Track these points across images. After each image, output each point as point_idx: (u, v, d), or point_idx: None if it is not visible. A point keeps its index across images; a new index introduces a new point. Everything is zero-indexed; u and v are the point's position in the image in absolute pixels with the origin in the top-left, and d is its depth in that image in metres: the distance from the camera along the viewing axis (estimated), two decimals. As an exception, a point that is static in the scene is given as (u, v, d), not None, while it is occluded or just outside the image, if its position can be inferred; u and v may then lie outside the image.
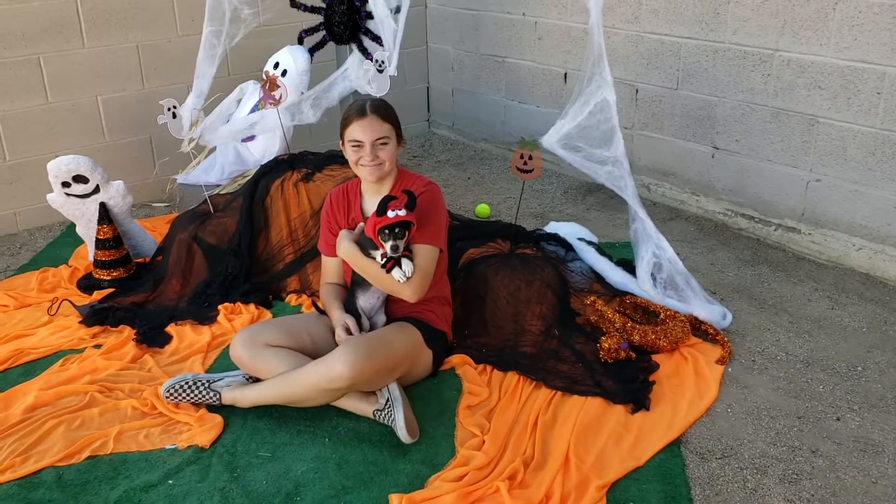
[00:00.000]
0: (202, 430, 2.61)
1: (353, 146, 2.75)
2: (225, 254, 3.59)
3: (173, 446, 2.56)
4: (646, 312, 3.20)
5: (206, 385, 2.72)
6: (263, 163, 3.99)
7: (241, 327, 3.24)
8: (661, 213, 4.30)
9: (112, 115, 4.34)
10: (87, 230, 3.69)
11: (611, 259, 3.46)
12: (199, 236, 3.61)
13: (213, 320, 3.32)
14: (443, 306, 2.95)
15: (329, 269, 3.01)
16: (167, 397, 2.72)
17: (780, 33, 3.62)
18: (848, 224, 3.60)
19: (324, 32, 3.92)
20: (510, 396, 2.78)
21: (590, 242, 3.59)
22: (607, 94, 3.00)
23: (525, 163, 3.31)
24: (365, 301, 2.83)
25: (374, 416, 2.62)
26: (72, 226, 4.28)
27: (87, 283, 3.62)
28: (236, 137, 4.02)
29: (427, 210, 2.79)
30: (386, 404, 2.60)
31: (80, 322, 3.29)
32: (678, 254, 3.28)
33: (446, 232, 2.87)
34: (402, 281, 2.67)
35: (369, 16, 3.79)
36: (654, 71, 4.19)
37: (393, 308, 2.86)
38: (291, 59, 3.92)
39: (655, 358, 2.98)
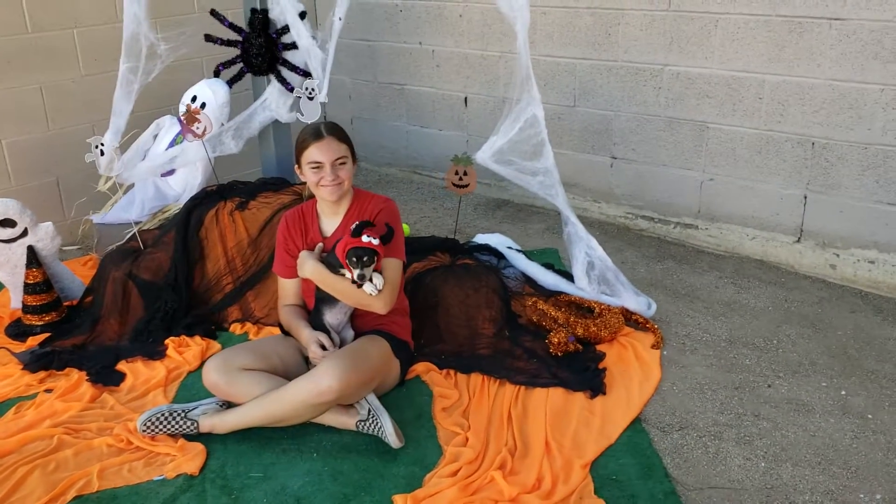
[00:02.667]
0: (187, 459, 2.61)
1: (313, 168, 2.85)
2: (161, 289, 3.56)
3: (161, 477, 2.56)
4: (580, 308, 3.45)
5: (183, 415, 2.72)
6: (184, 196, 3.99)
7: (192, 359, 3.26)
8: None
9: (17, 158, 4.19)
10: (13, 276, 3.55)
11: (540, 264, 3.72)
12: (134, 273, 3.56)
13: (162, 355, 3.29)
14: (403, 317, 3.09)
15: (287, 290, 3.07)
16: (144, 431, 2.70)
17: (668, 50, 4.02)
18: (741, 217, 4.03)
19: (241, 65, 3.97)
20: (479, 395, 2.95)
21: (518, 250, 3.83)
22: (536, 111, 3.25)
23: (461, 178, 3.51)
24: (332, 317, 2.92)
25: (358, 427, 2.71)
26: (-18, 275, 4.10)
27: (17, 331, 3.49)
28: (156, 172, 3.99)
29: (391, 223, 2.92)
30: (369, 414, 2.70)
31: (22, 369, 3.18)
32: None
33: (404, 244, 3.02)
34: (373, 294, 2.78)
35: (287, 47, 3.88)
36: (551, 91, 4.50)
37: (358, 322, 2.97)
38: (210, 92, 3.95)
39: (599, 348, 3.24)
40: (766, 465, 2.58)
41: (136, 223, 3.86)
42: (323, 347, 2.80)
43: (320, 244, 2.95)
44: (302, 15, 3.62)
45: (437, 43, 4.97)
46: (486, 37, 4.72)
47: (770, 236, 3.96)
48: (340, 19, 3.50)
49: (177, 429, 2.71)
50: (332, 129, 2.89)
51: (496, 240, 3.91)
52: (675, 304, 3.64)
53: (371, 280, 2.77)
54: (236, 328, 3.52)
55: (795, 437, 2.71)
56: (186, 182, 4.07)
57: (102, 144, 3.58)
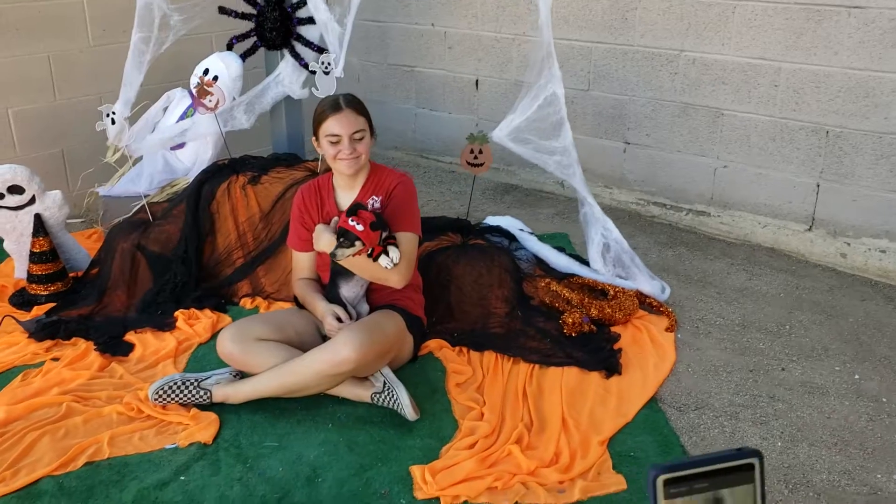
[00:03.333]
0: (200, 428, 2.58)
1: (331, 141, 2.82)
2: (171, 261, 3.53)
3: (174, 445, 2.53)
4: (593, 291, 3.44)
5: (195, 384, 2.69)
6: (193, 171, 3.95)
7: (203, 331, 3.23)
8: (577, 207, 4.56)
9: (23, 128, 4.14)
10: (18, 245, 3.51)
11: (552, 247, 3.69)
12: (142, 244, 3.53)
13: (172, 326, 3.26)
14: (417, 293, 3.06)
15: (302, 264, 3.04)
16: (155, 399, 2.67)
17: (685, 35, 4.00)
18: (753, 204, 4.02)
19: (255, 38, 3.93)
20: (493, 373, 2.93)
21: (530, 233, 3.81)
22: (556, 88, 3.23)
23: (475, 157, 3.49)
24: (348, 291, 2.89)
25: (373, 399, 2.68)
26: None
27: (21, 300, 3.45)
28: (166, 145, 3.96)
29: (404, 200, 2.90)
30: (384, 387, 2.67)
31: (28, 337, 3.14)
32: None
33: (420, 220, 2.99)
34: (389, 267, 2.76)
35: (302, 22, 3.85)
36: (565, 74, 4.40)
37: (373, 297, 2.94)
38: (223, 65, 3.91)
39: (613, 330, 3.22)
40: (783, 444, 2.57)
41: (145, 196, 3.82)
42: (339, 320, 2.77)
43: (336, 218, 2.91)
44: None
45: (450, 24, 4.94)
46: (501, 19, 4.70)
47: (782, 224, 3.95)
48: (359, -8, 3.46)
49: (189, 398, 2.68)
50: (350, 102, 2.86)
51: (507, 222, 3.88)
52: (688, 289, 3.62)
53: (387, 254, 2.74)
54: (246, 303, 3.48)
55: (811, 419, 2.70)
56: (196, 156, 4.03)
57: (114, 113, 3.54)
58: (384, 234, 2.74)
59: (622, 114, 4.35)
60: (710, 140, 4.08)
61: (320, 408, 2.71)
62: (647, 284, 3.41)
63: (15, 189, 3.36)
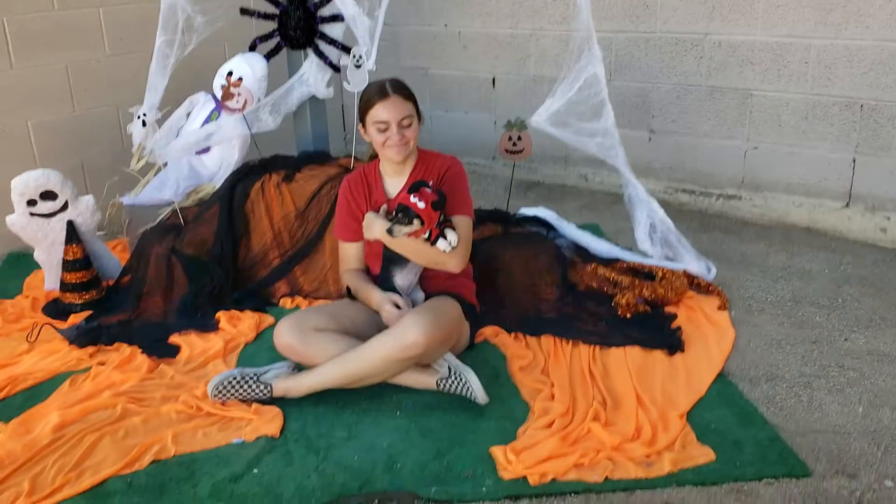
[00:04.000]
0: (265, 421, 2.50)
1: (379, 128, 2.77)
2: (206, 264, 3.44)
3: (240, 440, 2.44)
4: (638, 274, 3.39)
5: (255, 378, 2.61)
6: (220, 175, 3.87)
7: (248, 331, 3.15)
8: (603, 199, 4.56)
9: (43, 140, 4.05)
10: (50, 254, 3.42)
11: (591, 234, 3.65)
12: (177, 248, 3.44)
13: (215, 328, 3.17)
14: (469, 280, 3.00)
15: (349, 255, 2.97)
16: (215, 396, 2.59)
17: (709, 18, 4.00)
18: (786, 184, 4.00)
19: (278, 38, 3.88)
20: (554, 356, 2.87)
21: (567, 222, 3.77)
22: (597, 69, 3.19)
23: (514, 143, 3.45)
24: (402, 279, 2.82)
25: (439, 385, 2.61)
26: (10, 258, 3.95)
27: (56, 310, 3.34)
28: (191, 150, 3.87)
29: (457, 183, 2.85)
30: (450, 372, 2.60)
31: (69, 344, 3.04)
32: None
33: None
34: (447, 251, 2.69)
35: (325, 20, 3.81)
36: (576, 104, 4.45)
37: (426, 285, 2.87)
38: (247, 66, 3.84)
39: (667, 310, 3.17)
40: (864, 410, 2.52)
41: (169, 203, 3.74)
42: (397, 307, 2.70)
43: (384, 206, 2.85)
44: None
45: (464, 24, 4.91)
46: (517, 14, 4.68)
47: (817, 202, 3.93)
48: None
49: (249, 394, 2.59)
50: (397, 87, 2.80)
51: (541, 213, 3.84)
52: (731, 270, 3.58)
53: (445, 237, 2.68)
54: (286, 302, 3.40)
55: (886, 385, 2.65)
56: (222, 160, 3.94)
57: (145, 115, 3.46)
58: (441, 217, 2.69)
59: (646, 102, 4.33)
60: (740, 122, 4.06)
61: (385, 397, 2.63)
62: (694, 264, 3.37)
63: (48, 195, 3.27)
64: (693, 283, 3.35)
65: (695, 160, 4.26)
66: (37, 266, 3.64)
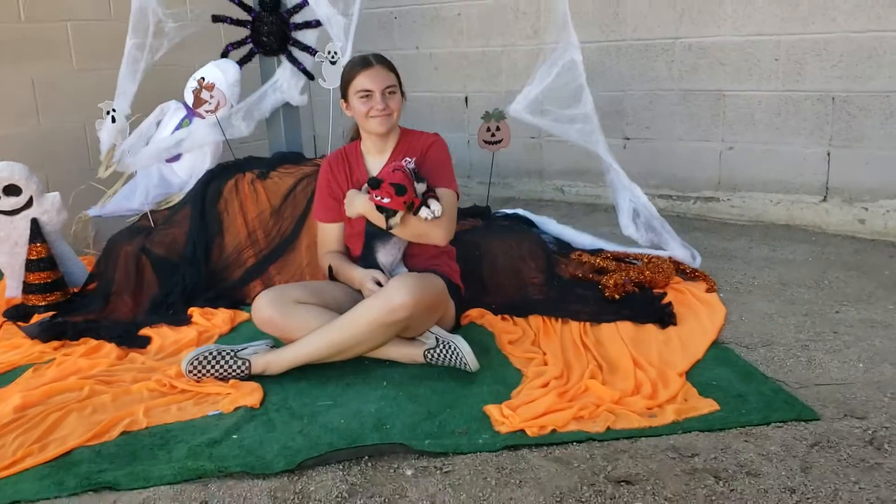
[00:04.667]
0: (243, 394, 2.36)
1: (362, 97, 2.71)
2: (177, 265, 3.31)
3: (217, 412, 2.29)
4: (623, 262, 3.32)
5: (232, 354, 2.47)
6: (190, 184, 3.77)
7: (222, 324, 3.02)
8: (580, 209, 4.54)
9: (7, 154, 3.90)
10: (12, 256, 3.25)
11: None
12: (147, 248, 3.31)
13: (188, 321, 3.03)
14: (453, 261, 2.91)
15: (329, 236, 2.88)
16: (189, 372, 2.44)
17: (678, 22, 4.06)
18: (763, 182, 4.00)
19: (251, 45, 3.85)
20: (544, 331, 2.77)
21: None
22: (574, 55, 3.20)
23: (493, 134, 3.41)
24: (385, 255, 2.72)
25: (427, 356, 2.49)
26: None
27: (18, 314, 3.17)
28: (161, 157, 3.77)
29: (440, 158, 2.80)
30: (439, 342, 2.49)
31: (33, 339, 2.88)
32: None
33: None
34: (429, 219, 2.61)
35: (299, 26, 3.79)
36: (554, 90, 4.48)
37: (410, 262, 2.78)
38: (220, 72, 3.79)
39: (655, 292, 3.10)
40: (865, 366, 2.45)
41: (138, 213, 3.62)
42: (379, 284, 2.60)
43: (366, 185, 2.78)
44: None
45: (435, 45, 4.95)
46: (487, 32, 4.72)
47: (795, 198, 3.93)
48: (365, -23, 3.43)
49: (226, 370, 2.45)
50: (380, 59, 2.78)
51: (521, 212, 3.78)
52: (714, 262, 3.53)
53: (428, 206, 2.61)
54: (261, 306, 3.27)
55: (883, 346, 2.59)
56: (193, 168, 3.84)
57: (114, 110, 3.37)
58: (423, 189, 2.61)
59: (619, 109, 4.35)
60: (714, 123, 4.08)
61: (370, 372, 2.51)
62: (680, 251, 3.32)
63: (11, 190, 3.14)
64: (679, 269, 3.29)
65: (671, 165, 4.26)
66: (-2, 276, 3.48)
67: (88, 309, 3.16)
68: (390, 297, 2.38)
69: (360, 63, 2.75)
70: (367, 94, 2.71)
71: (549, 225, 3.59)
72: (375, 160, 2.84)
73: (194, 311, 3.09)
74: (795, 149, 3.88)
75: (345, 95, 2.79)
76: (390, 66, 2.78)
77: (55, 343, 2.85)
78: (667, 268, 3.18)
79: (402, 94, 2.83)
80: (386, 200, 2.53)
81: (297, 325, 2.50)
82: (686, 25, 4.05)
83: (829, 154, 3.80)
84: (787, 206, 3.95)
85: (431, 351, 2.49)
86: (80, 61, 4.21)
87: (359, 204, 2.69)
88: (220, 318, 3.04)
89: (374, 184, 2.54)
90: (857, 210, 3.77)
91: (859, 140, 3.71)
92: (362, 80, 2.71)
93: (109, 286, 3.24)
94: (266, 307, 2.52)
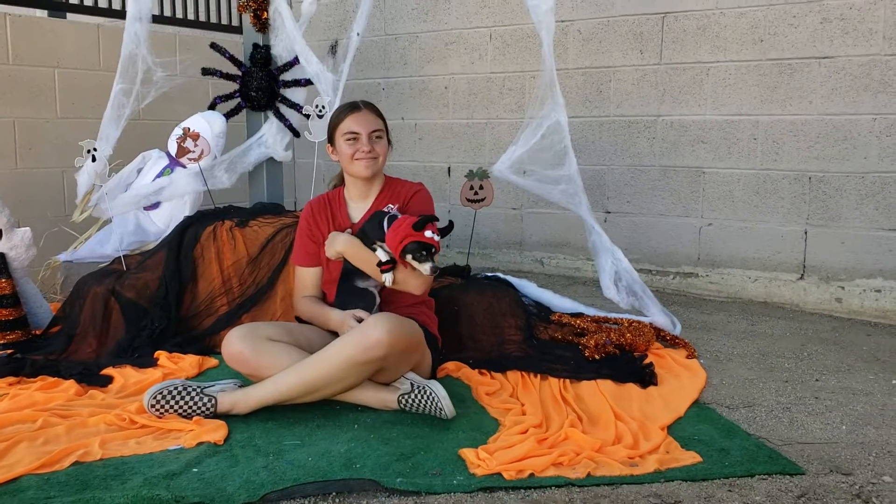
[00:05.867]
0: (207, 430, 2.25)
1: (349, 139, 2.72)
2: (147, 310, 3.22)
3: (178, 447, 2.17)
4: (605, 325, 3.28)
5: (199, 391, 2.37)
6: (166, 234, 3.73)
7: (189, 367, 2.91)
8: (560, 281, 4.51)
9: (-20, 192, 3.87)
10: (-25, 291, 3.16)
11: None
12: (117, 290, 3.22)
13: (154, 363, 2.92)
14: (430, 311, 2.86)
15: (307, 281, 2.82)
16: (152, 406, 2.33)
17: (660, 101, 4.15)
18: (741, 259, 4.02)
19: (238, 99, 3.87)
20: (523, 386, 2.69)
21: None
22: (560, 117, 3.24)
23: (476, 192, 3.41)
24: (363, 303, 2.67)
25: (401, 402, 2.41)
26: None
27: (-27, 350, 3.05)
28: (140, 204, 3.73)
29: (424, 207, 2.78)
30: (414, 387, 2.41)
31: (-14, 374, 2.75)
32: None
33: None
34: (426, 273, 2.54)
35: (288, 84, 3.83)
36: (539, 151, 4.54)
37: (387, 311, 2.72)
38: (206, 122, 3.78)
39: (635, 354, 3.05)
40: (848, 427, 2.39)
41: (111, 259, 3.55)
42: (359, 321, 2.53)
43: (349, 230, 2.75)
44: (333, 49, 3.61)
45: (420, 116, 5.01)
46: (473, 105, 4.80)
47: (773, 276, 3.94)
48: (358, 34, 3.49)
49: (191, 406, 2.34)
50: (368, 104, 2.81)
51: (500, 276, 3.76)
52: (693, 333, 3.50)
53: (432, 260, 2.55)
54: (229, 355, 3.17)
55: (865, 410, 2.55)
56: (171, 217, 3.79)
57: (95, 150, 3.34)
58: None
59: (601, 183, 4.40)
60: (693, 199, 4.13)
61: (340, 415, 2.41)
62: (660, 316, 3.28)
63: (-19, 222, 3.07)
64: (659, 335, 3.26)
65: (650, 239, 4.28)
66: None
67: (49, 349, 3.05)
68: (367, 333, 2.31)
69: (349, 107, 2.77)
70: (354, 137, 2.71)
71: (529, 288, 3.55)
72: (358, 206, 2.81)
73: (161, 354, 2.99)
74: (773, 227, 3.92)
75: (331, 139, 2.79)
76: (378, 113, 2.80)
77: (10, 379, 2.73)
78: (647, 332, 3.14)
79: (390, 142, 2.83)
80: (438, 238, 2.51)
81: (267, 362, 2.41)
82: (668, 104, 4.14)
83: (805, 233, 3.84)
84: (766, 283, 3.96)
85: (406, 396, 2.40)
86: (64, 109, 4.21)
87: (340, 242, 2.65)
88: (188, 363, 2.94)
89: (424, 223, 2.50)
90: (834, 289, 3.78)
91: (836, 219, 3.76)
92: (349, 123, 2.72)
93: (74, 327, 3.14)
94: (237, 342, 2.44)
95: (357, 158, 2.71)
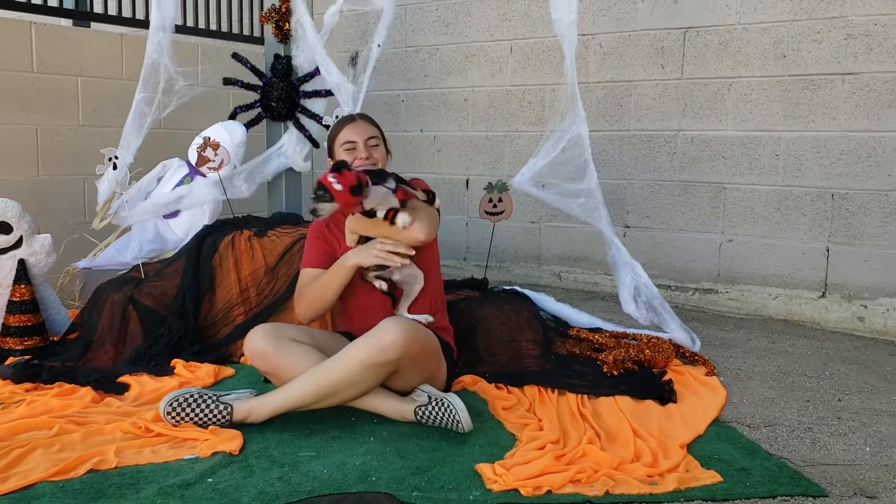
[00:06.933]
0: (222, 440, 2.24)
1: (347, 148, 2.78)
2: (164, 318, 3.23)
3: (193, 456, 2.16)
4: (623, 340, 3.25)
5: (214, 399, 2.36)
6: (185, 242, 3.73)
7: (205, 376, 2.90)
8: (577, 296, 4.48)
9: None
10: (-6, 297, 3.18)
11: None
12: (135, 298, 3.23)
13: (170, 372, 2.92)
14: (445, 320, 2.83)
15: (313, 276, 2.76)
16: (168, 413, 2.33)
17: (681, 115, 4.12)
18: (762, 276, 3.98)
19: (259, 109, 3.89)
20: (540, 401, 2.67)
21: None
22: (581, 129, 3.22)
23: (494, 205, 3.40)
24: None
25: (417, 413, 2.39)
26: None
27: (-7, 355, 3.07)
28: (159, 213, 3.74)
29: (420, 184, 2.74)
30: (431, 399, 2.39)
31: (4, 380, 2.76)
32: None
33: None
34: (406, 224, 2.52)
35: (308, 95, 3.84)
36: (559, 164, 4.52)
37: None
38: (226, 132, 3.80)
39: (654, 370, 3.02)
40: (872, 449, 2.35)
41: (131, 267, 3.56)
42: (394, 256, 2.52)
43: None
44: (353, 60, 3.64)
45: (439, 128, 5.01)
46: (492, 118, 4.79)
47: (793, 294, 3.90)
48: (379, 46, 3.50)
49: (206, 415, 2.34)
50: (362, 115, 2.93)
51: (517, 290, 3.73)
52: (713, 350, 3.46)
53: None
54: (247, 360, 3.17)
55: (890, 432, 2.50)
56: (190, 226, 3.80)
57: (117, 157, 3.35)
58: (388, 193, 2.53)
59: (620, 198, 4.37)
60: (714, 215, 4.09)
61: (357, 427, 2.39)
62: (679, 333, 3.25)
63: (2, 227, 3.09)
64: (678, 352, 3.22)
65: (669, 255, 4.24)
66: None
67: (66, 355, 3.06)
68: (381, 335, 2.31)
69: (345, 120, 2.90)
70: (352, 146, 2.77)
71: (547, 302, 3.53)
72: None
73: (178, 363, 2.99)
74: (794, 243, 3.88)
75: (331, 153, 2.86)
76: (373, 122, 2.90)
77: (27, 385, 2.74)
78: (666, 348, 3.11)
79: (388, 149, 2.86)
80: (338, 188, 2.39)
81: (288, 363, 2.41)
82: (689, 119, 4.11)
83: (828, 250, 3.79)
84: (786, 300, 3.91)
85: (423, 408, 2.38)
86: (87, 117, 4.24)
87: (353, 221, 2.63)
88: (204, 371, 2.93)
89: (338, 167, 2.41)
90: (857, 307, 3.73)
91: (858, 237, 3.71)
92: (346, 133, 2.81)
93: (92, 333, 3.14)
94: (260, 339, 2.44)
95: (355, 165, 2.73)
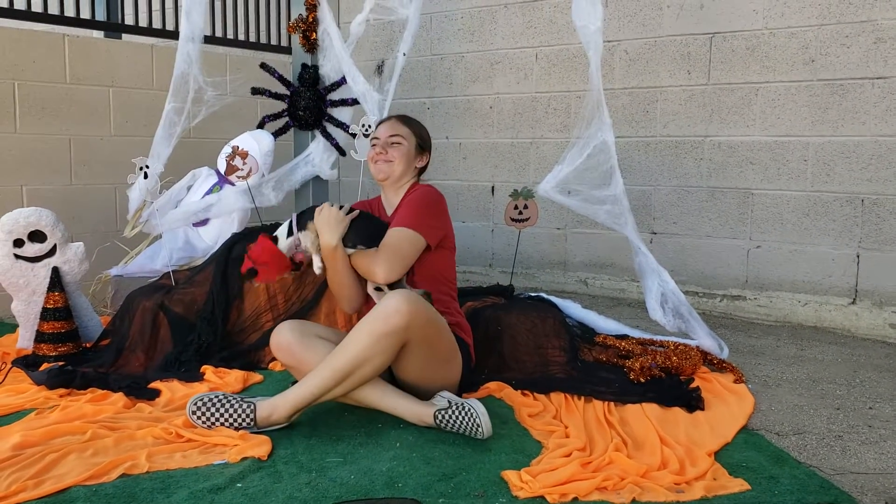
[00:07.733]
0: (251, 445, 2.26)
1: (373, 145, 2.84)
2: (194, 325, 3.27)
3: (223, 461, 2.19)
4: (650, 347, 3.24)
5: (238, 399, 2.40)
6: (215, 250, 3.78)
7: (234, 382, 2.94)
8: (603, 302, 4.47)
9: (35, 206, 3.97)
10: (28, 305, 3.23)
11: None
12: (166, 305, 3.28)
13: (200, 378, 2.96)
14: (462, 317, 2.83)
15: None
16: (194, 413, 2.37)
17: (708, 121, 4.11)
18: (791, 282, 3.94)
19: (286, 118, 3.93)
20: (566, 408, 2.67)
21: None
22: (607, 136, 3.22)
23: (520, 212, 3.40)
24: None
25: (437, 417, 2.39)
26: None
27: (27, 363, 3.11)
28: (189, 221, 3.79)
29: (412, 202, 2.76)
30: (451, 404, 2.40)
31: (39, 385, 2.81)
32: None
33: (439, 231, 2.75)
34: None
35: (335, 104, 3.88)
36: (585, 171, 4.52)
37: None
38: (254, 141, 3.85)
39: (681, 378, 3.00)
40: (905, 459, 2.32)
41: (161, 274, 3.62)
42: None
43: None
44: (379, 68, 3.67)
45: (464, 136, 5.03)
46: (518, 125, 4.80)
47: (823, 300, 3.86)
48: (404, 55, 3.52)
49: (230, 413, 2.37)
50: (400, 115, 2.94)
51: (543, 296, 3.73)
52: (741, 357, 3.44)
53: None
54: (276, 366, 3.20)
55: (922, 442, 2.47)
56: (220, 234, 3.85)
57: (147, 167, 3.40)
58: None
59: (647, 204, 4.36)
60: (741, 221, 4.07)
61: (382, 433, 2.41)
62: (707, 340, 3.23)
63: (36, 236, 3.15)
64: (706, 359, 3.20)
65: (697, 261, 4.22)
66: (9, 330, 3.45)
67: (99, 362, 3.11)
68: (384, 303, 2.37)
69: (385, 118, 2.95)
70: (376, 142, 2.83)
71: (573, 309, 3.53)
72: (391, 211, 2.85)
73: (207, 369, 3.03)
74: (824, 249, 3.84)
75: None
76: (407, 122, 2.89)
77: (61, 390, 2.79)
78: (694, 356, 3.09)
79: (423, 151, 2.88)
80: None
81: (312, 357, 2.45)
82: (716, 124, 4.09)
83: (858, 256, 3.75)
84: (816, 307, 3.88)
85: (443, 412, 2.39)
86: (118, 126, 4.31)
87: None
88: (233, 377, 2.97)
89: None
90: (888, 314, 3.68)
91: (890, 243, 3.67)
92: (377, 130, 2.87)
93: (123, 340, 3.20)
94: (287, 332, 2.50)
95: (373, 161, 2.77)
